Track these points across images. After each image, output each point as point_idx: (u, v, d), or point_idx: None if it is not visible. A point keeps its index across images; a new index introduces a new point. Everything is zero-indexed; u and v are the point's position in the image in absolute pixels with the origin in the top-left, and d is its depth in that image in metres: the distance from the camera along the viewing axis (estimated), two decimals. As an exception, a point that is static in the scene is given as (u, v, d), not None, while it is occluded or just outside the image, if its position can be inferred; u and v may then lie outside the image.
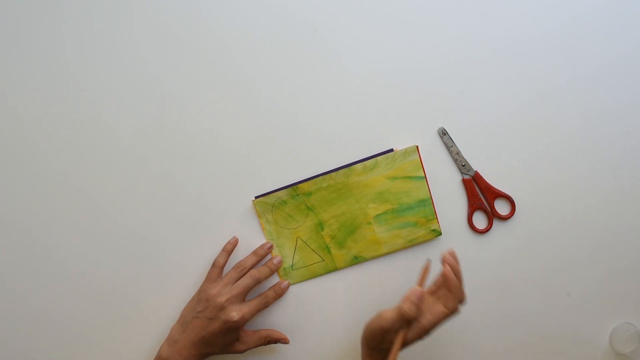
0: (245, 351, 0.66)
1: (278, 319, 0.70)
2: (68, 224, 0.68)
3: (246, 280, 0.66)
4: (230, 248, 0.68)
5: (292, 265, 0.70)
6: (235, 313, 0.63)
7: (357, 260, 0.70)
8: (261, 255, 0.69)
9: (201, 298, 0.65)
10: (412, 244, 0.70)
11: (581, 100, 0.69)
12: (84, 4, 0.67)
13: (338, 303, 0.70)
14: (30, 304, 0.68)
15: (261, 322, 0.70)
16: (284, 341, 0.68)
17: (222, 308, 0.63)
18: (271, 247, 0.69)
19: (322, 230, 0.69)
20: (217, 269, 0.67)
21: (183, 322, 0.65)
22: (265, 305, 0.67)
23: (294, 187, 0.69)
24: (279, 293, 0.69)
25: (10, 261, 0.68)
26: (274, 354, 0.70)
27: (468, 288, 0.70)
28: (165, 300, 0.69)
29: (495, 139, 0.70)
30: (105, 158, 0.68)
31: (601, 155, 0.70)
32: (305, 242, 0.69)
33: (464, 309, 0.70)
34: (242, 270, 0.67)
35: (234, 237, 0.69)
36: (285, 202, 0.69)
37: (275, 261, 0.69)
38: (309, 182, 0.69)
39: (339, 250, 0.70)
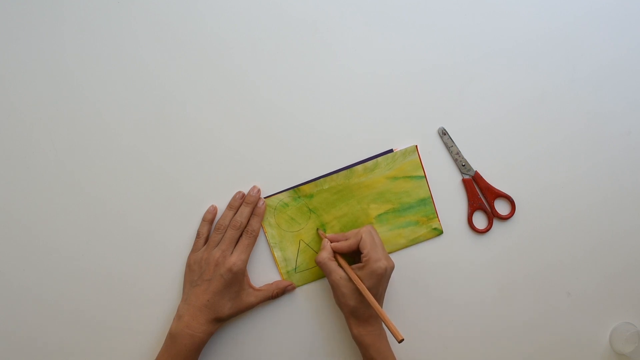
0: (257, 304, 0.67)
1: (282, 321, 0.70)
2: (68, 224, 0.68)
3: (229, 232, 0.66)
4: (210, 217, 0.68)
5: (295, 269, 0.69)
6: (232, 259, 0.64)
7: (359, 261, 0.70)
8: (236, 207, 0.67)
9: (193, 268, 0.66)
10: (414, 243, 0.70)
11: (581, 100, 0.69)
12: (84, 4, 0.67)
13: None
14: (30, 305, 0.68)
15: (264, 322, 0.70)
16: (291, 287, 0.69)
17: (217, 264, 0.64)
18: (244, 195, 0.68)
19: (325, 232, 0.69)
20: (201, 239, 0.67)
21: (185, 297, 0.66)
22: (254, 237, 0.66)
23: (296, 189, 0.68)
24: (258, 213, 0.67)
25: (10, 261, 0.68)
26: (275, 354, 0.70)
27: (468, 288, 0.70)
28: (168, 299, 0.69)
29: (495, 139, 0.70)
30: (106, 158, 0.68)
31: (601, 155, 0.70)
32: (308, 245, 0.69)
33: (464, 311, 0.71)
34: (224, 229, 0.66)
35: (212, 205, 0.68)
36: (287, 204, 0.69)
37: (253, 192, 0.68)
38: (310, 184, 0.68)
39: (342, 251, 0.69)
